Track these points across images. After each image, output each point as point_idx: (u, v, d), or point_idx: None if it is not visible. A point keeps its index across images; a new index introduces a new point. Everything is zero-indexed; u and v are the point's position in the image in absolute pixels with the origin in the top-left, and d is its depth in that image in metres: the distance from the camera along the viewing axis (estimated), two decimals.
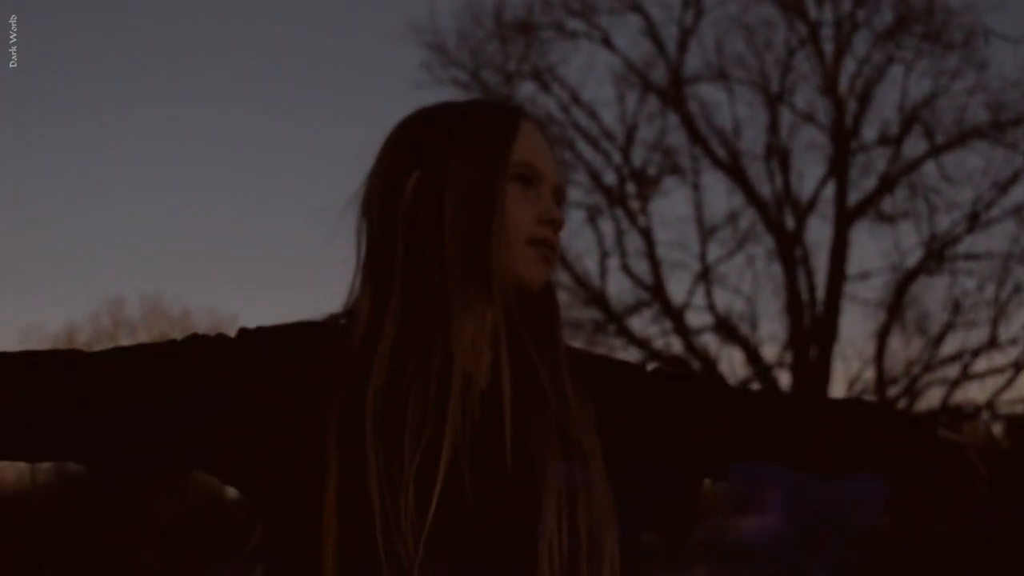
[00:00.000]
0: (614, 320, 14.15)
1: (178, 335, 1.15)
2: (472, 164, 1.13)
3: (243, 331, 1.14)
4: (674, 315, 14.04)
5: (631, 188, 14.26)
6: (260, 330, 1.14)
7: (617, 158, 14.24)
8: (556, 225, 1.16)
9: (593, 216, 14.25)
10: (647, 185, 14.17)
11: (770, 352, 14.64)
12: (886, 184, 13.66)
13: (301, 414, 1.06)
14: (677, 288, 14.57)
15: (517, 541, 1.04)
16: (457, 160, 1.13)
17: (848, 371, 14.42)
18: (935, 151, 13.43)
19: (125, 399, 1.06)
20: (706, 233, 14.33)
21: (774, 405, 1.30)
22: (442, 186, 1.12)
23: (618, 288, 14.70)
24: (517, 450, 1.07)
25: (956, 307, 13.53)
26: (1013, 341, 13.30)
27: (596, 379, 1.19)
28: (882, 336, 13.96)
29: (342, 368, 1.08)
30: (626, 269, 14.20)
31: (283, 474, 1.06)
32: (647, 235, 14.07)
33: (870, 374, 14.10)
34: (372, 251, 1.16)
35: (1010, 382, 13.31)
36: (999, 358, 13.51)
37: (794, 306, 13.85)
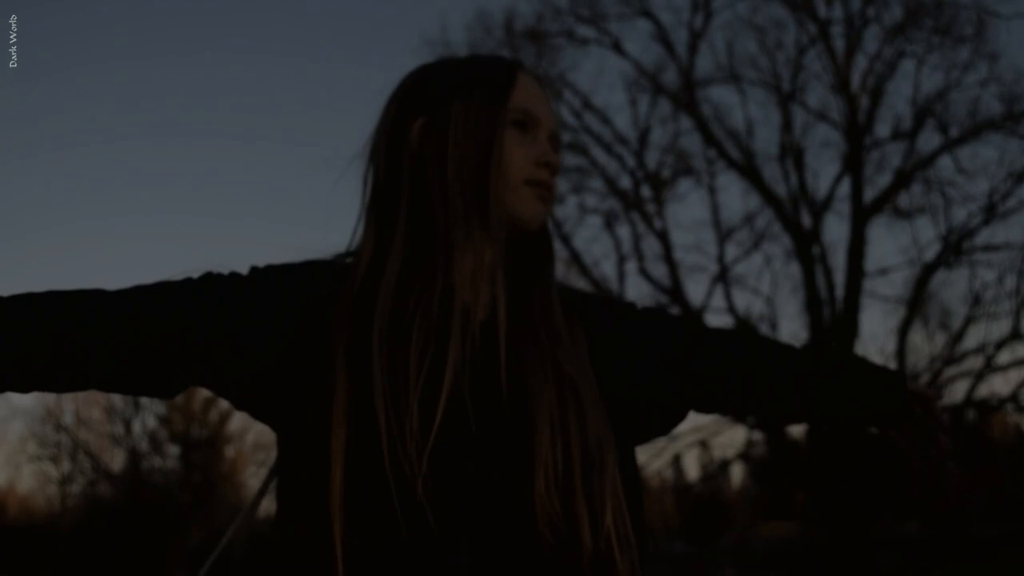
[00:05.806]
0: None
1: None
2: (474, 109, 1.19)
3: (254, 268, 1.21)
4: (693, 317, 14.05)
5: (646, 191, 14.31)
6: (270, 266, 1.20)
7: (631, 162, 14.27)
8: (552, 167, 1.22)
9: (610, 221, 14.29)
10: (662, 188, 14.19)
11: None
12: (901, 179, 13.62)
13: (310, 341, 1.12)
14: (696, 290, 14.62)
15: (514, 458, 1.09)
16: (460, 106, 1.20)
17: None
18: (949, 144, 13.37)
19: (145, 326, 1.12)
20: (723, 234, 14.32)
21: (758, 346, 1.36)
22: (446, 130, 1.19)
23: (637, 292, 14.68)
24: (512, 376, 1.12)
25: (976, 300, 13.46)
26: None
27: (589, 313, 1.25)
28: (903, 331, 13.89)
29: (349, 299, 1.14)
30: (644, 273, 14.21)
31: (293, 398, 1.12)
32: (664, 238, 14.08)
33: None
34: (378, 192, 1.22)
35: None
36: (1022, 350, 13.45)
37: (813, 304, 13.83)
